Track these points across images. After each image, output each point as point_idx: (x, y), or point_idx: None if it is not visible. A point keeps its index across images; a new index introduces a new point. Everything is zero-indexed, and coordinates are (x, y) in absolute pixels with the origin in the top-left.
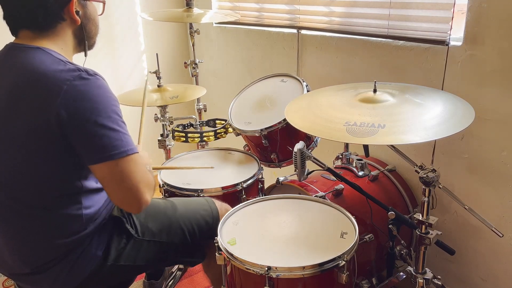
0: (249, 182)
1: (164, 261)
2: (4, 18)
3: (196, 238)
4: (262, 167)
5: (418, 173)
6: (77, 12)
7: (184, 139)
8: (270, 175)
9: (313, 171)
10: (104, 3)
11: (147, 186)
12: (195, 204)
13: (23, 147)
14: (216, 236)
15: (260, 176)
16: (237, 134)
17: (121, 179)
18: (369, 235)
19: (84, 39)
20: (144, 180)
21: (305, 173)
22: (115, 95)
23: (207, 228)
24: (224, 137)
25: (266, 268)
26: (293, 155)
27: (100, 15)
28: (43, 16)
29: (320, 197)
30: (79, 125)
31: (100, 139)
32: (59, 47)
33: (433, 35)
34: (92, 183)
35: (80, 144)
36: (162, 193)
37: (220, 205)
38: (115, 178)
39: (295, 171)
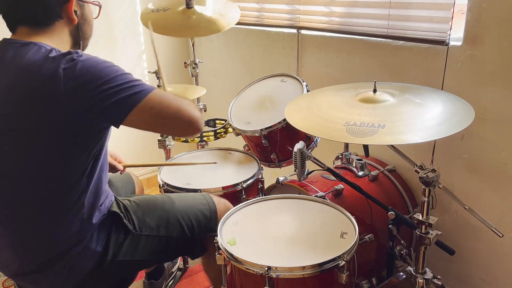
0: (249, 182)
1: (163, 256)
2: (2, 13)
3: (194, 232)
4: (262, 167)
5: (418, 173)
6: (75, 12)
7: (184, 139)
8: (270, 175)
9: (313, 171)
10: (100, 7)
11: (187, 105)
12: (192, 199)
13: (24, 144)
14: (215, 230)
15: (260, 176)
16: (237, 134)
17: (162, 111)
18: (369, 235)
19: (79, 40)
20: (179, 102)
21: (305, 173)
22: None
23: (205, 221)
24: (224, 137)
25: (266, 268)
26: (293, 155)
27: (95, 18)
28: (42, 13)
29: (320, 197)
30: (93, 97)
31: (118, 92)
32: (55, 43)
33: (432, 35)
34: (92, 181)
35: (103, 110)
36: (162, 193)
37: (218, 200)
38: (156, 114)
39: (295, 171)
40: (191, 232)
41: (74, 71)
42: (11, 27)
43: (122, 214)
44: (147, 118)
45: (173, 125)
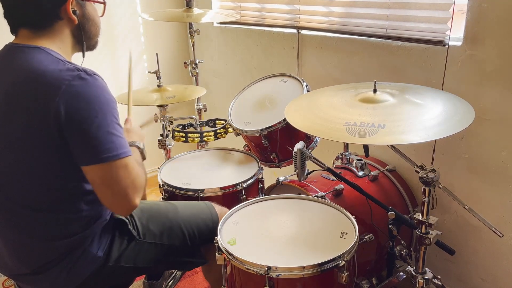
0: (249, 182)
1: (163, 264)
2: (5, 16)
3: (196, 241)
4: (262, 167)
5: (418, 173)
6: (74, 12)
7: (184, 139)
8: (270, 175)
9: (313, 171)
10: (104, 5)
11: (137, 190)
12: (195, 208)
13: (22, 148)
14: (216, 237)
15: (260, 176)
16: (237, 134)
17: (111, 183)
18: (369, 235)
19: (82, 40)
20: (134, 184)
21: (305, 173)
22: (113, 96)
23: (207, 231)
24: (224, 137)
25: (266, 268)
26: (293, 155)
27: (100, 16)
28: (40, 15)
29: (320, 197)
30: (75, 125)
31: (94, 141)
32: (58, 46)
33: (431, 36)
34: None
35: (74, 144)
36: (162, 193)
37: (220, 209)
38: (106, 181)
39: (295, 171)
40: (192, 240)
41: (73, 92)
42: (13, 29)
43: (127, 220)
44: (98, 180)
45: (111, 199)
